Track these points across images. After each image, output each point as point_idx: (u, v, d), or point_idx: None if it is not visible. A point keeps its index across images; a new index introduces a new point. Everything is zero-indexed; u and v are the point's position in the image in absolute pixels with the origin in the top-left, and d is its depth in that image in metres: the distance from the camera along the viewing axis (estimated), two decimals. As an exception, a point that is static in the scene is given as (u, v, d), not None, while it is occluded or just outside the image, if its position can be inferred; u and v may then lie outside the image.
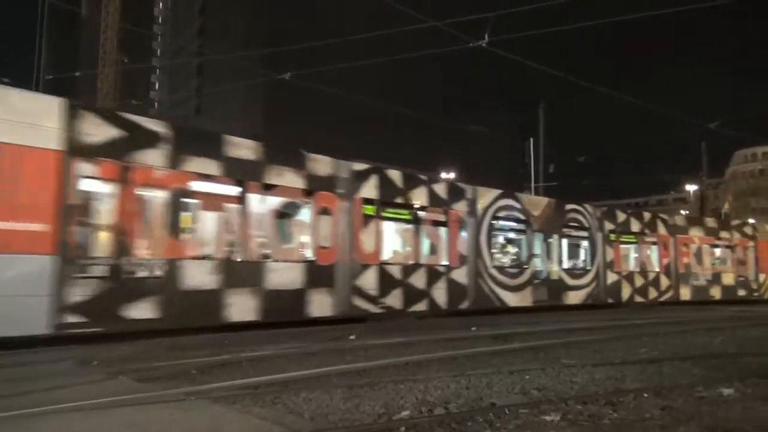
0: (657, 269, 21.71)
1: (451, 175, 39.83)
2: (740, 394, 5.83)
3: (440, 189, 15.62)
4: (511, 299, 16.85)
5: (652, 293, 21.22)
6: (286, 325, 11.24)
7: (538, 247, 18.13)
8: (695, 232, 23.37)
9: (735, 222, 25.76)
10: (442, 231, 15.41)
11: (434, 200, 15.21)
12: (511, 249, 17.82)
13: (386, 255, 14.14)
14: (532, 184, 32.11)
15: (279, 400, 5.30)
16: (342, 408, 5.07)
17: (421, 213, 14.81)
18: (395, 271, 13.95)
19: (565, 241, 19.31)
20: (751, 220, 32.12)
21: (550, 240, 18.56)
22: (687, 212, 58.66)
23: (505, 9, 13.95)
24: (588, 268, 19.71)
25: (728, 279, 24.06)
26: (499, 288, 16.56)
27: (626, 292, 20.49)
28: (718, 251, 24.22)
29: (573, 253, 20.06)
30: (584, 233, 19.90)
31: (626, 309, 19.56)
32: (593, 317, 15.14)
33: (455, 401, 5.37)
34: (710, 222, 25.28)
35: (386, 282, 13.64)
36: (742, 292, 24.29)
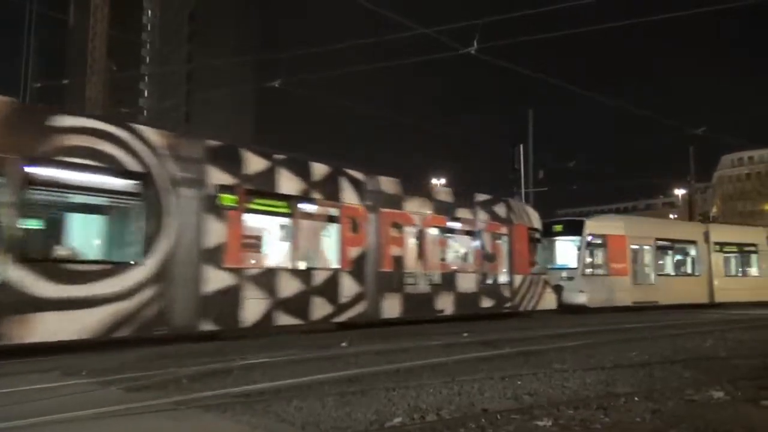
0: (336, 264, 13.27)
1: (442, 181, 39.89)
2: (730, 397, 5.87)
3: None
4: None
5: (321, 308, 12.68)
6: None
7: None
8: (415, 206, 15.38)
9: (482, 197, 17.89)
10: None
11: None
12: None
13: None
14: (522, 190, 32.18)
15: (270, 408, 5.26)
16: (333, 416, 5.04)
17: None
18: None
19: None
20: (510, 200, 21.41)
21: None
22: (675, 216, 59.14)
23: (494, 16, 14.02)
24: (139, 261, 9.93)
25: (467, 282, 16.50)
26: None
27: (254, 309, 11.44)
28: (453, 239, 16.70)
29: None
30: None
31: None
32: (586, 321, 15.20)
33: (447, 407, 5.36)
34: (441, 193, 17.18)
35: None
36: (487, 303, 16.99)
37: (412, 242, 15.23)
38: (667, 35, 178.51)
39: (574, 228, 22.14)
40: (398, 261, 14.64)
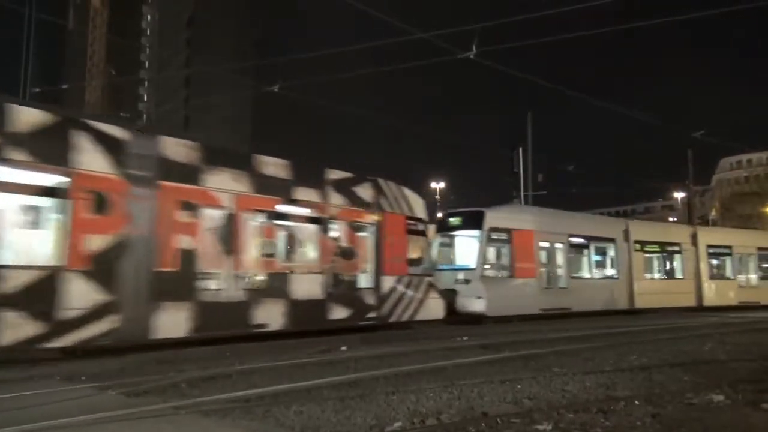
0: (55, 260, 9.22)
1: (441, 185, 39.92)
2: (730, 401, 5.87)
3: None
4: None
5: (14, 330, 8.56)
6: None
7: None
8: (223, 181, 11.51)
9: (337, 174, 13.77)
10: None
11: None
12: None
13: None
14: (521, 193, 32.20)
15: (270, 413, 5.26)
16: (333, 420, 5.04)
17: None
18: None
19: None
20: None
21: None
22: (675, 219, 59.19)
23: (492, 20, 14.06)
24: None
25: (307, 286, 12.52)
26: None
27: None
28: (288, 228, 12.89)
29: None
30: None
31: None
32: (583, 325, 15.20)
33: (447, 412, 5.36)
34: (270, 165, 12.46)
35: None
36: (340, 313, 13.04)
37: (216, 231, 11.26)
38: (667, 39, 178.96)
39: (473, 221, 18.25)
40: (189, 257, 10.66)
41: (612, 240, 22.20)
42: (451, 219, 19.20)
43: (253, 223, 11.88)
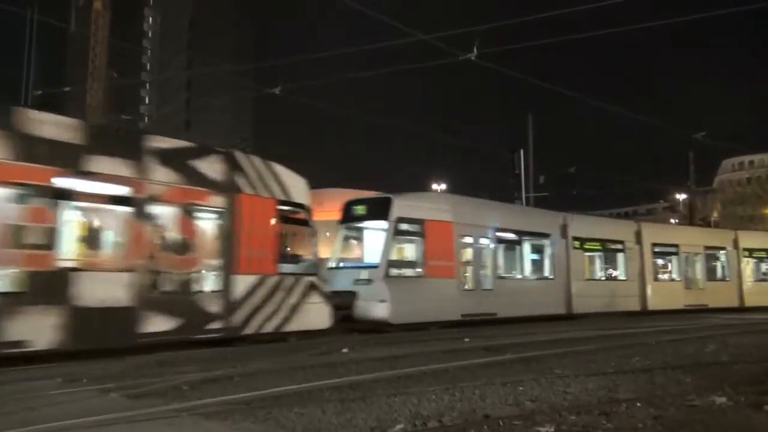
0: None
1: (443, 187, 39.91)
2: (732, 402, 5.85)
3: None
4: None
5: None
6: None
7: None
8: None
9: (165, 142, 10.89)
10: None
11: None
12: None
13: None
14: (523, 195, 32.20)
15: (271, 415, 5.26)
16: (334, 422, 5.03)
17: None
18: None
19: None
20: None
21: None
22: (677, 221, 59.15)
23: (493, 22, 14.10)
24: None
25: (105, 289, 9.51)
26: None
27: None
28: (70, 209, 9.59)
29: None
30: None
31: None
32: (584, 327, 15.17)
33: (449, 414, 5.35)
34: (43, 124, 9.18)
35: None
36: (162, 324, 10.00)
37: None
38: (668, 40, 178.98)
39: (378, 209, 15.29)
40: None
41: (547, 236, 19.61)
42: (353, 207, 15.83)
43: (11, 203, 8.76)
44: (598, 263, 22.08)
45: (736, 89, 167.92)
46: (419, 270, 15.30)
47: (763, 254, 27.05)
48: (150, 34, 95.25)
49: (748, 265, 26.20)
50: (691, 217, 41.57)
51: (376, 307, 14.01)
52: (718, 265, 25.68)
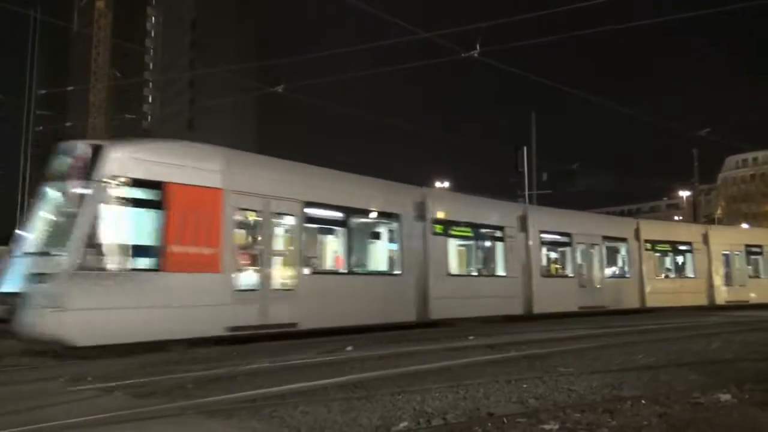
0: None
1: (446, 185, 39.91)
2: (737, 400, 5.83)
3: None
4: None
5: None
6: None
7: None
8: None
9: None
10: None
11: None
12: None
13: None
14: (526, 192, 32.18)
15: (276, 413, 5.26)
16: (339, 421, 5.04)
17: None
18: None
19: None
20: None
21: None
22: (680, 218, 59.03)
23: (496, 20, 14.07)
24: None
25: None
26: None
27: None
28: None
29: None
30: None
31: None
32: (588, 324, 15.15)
33: (453, 412, 5.35)
34: None
35: None
36: None
37: None
38: (671, 37, 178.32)
39: (81, 163, 9.82)
40: None
41: (393, 216, 14.76)
42: (57, 160, 10.36)
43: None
44: (469, 255, 17.13)
45: (740, 86, 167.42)
46: (150, 261, 10.08)
47: (666, 247, 23.28)
48: (153, 34, 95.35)
49: (650, 260, 22.48)
50: (695, 215, 41.50)
51: (47, 319, 8.82)
52: (618, 259, 22.00)
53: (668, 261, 23.67)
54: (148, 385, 6.50)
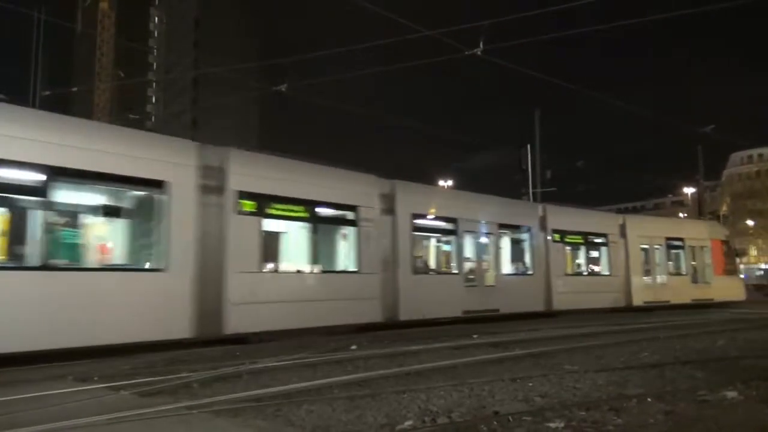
0: None
1: (450, 183, 39.87)
2: (743, 397, 5.82)
3: None
4: None
5: None
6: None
7: None
8: None
9: None
10: None
11: None
12: None
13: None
14: (530, 190, 32.12)
15: (281, 412, 5.28)
16: (344, 419, 5.05)
17: None
18: None
19: None
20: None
21: None
22: (685, 215, 58.81)
23: (499, 17, 14.05)
24: None
25: None
26: None
27: None
28: None
29: None
30: None
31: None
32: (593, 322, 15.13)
33: (458, 410, 5.35)
34: None
35: None
36: None
37: None
38: (676, 33, 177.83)
39: None
40: None
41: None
42: None
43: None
44: (297, 245, 12.53)
45: (744, 82, 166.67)
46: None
47: (578, 239, 19.73)
48: (156, 34, 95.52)
49: (559, 254, 18.82)
50: (700, 211, 41.31)
51: None
52: (520, 252, 18.16)
53: (581, 255, 20.18)
54: (154, 385, 6.51)
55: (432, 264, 16.27)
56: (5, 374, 7.55)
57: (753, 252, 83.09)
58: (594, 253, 20.58)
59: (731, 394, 5.92)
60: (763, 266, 78.08)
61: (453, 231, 15.82)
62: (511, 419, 4.95)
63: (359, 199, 13.46)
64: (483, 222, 16.56)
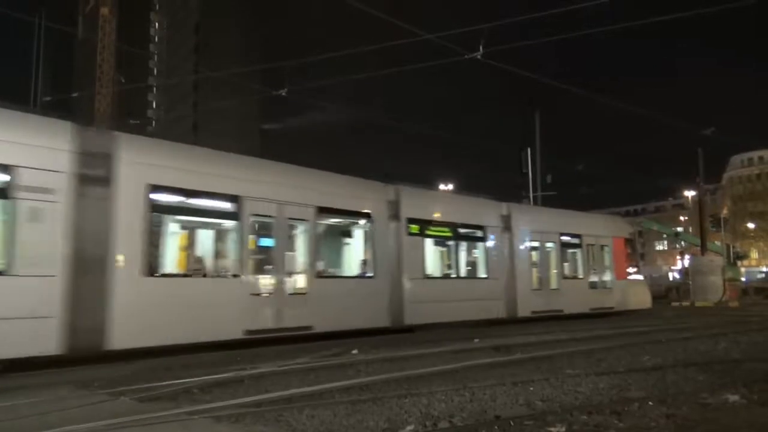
0: None
1: (450, 187, 39.89)
2: (746, 401, 5.80)
3: None
4: None
5: None
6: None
7: None
8: None
9: None
10: None
11: None
12: None
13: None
14: (531, 194, 32.12)
15: (282, 417, 5.26)
16: (345, 424, 5.03)
17: None
18: None
19: None
20: None
21: None
22: (686, 218, 58.77)
23: (499, 21, 14.08)
24: None
25: None
26: None
27: None
28: None
29: None
30: None
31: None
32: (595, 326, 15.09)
33: (459, 414, 5.33)
34: None
35: None
36: None
37: None
38: (675, 36, 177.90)
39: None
40: None
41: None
42: None
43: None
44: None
45: (745, 84, 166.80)
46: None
47: (446, 231, 15.85)
48: (156, 39, 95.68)
49: (416, 251, 14.71)
50: (701, 214, 41.24)
51: None
52: (356, 249, 14.29)
53: (448, 253, 16.43)
54: (154, 390, 6.50)
55: (187, 264, 11.45)
56: (5, 380, 7.54)
57: (754, 255, 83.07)
58: (467, 251, 16.93)
59: (733, 397, 5.89)
60: (764, 269, 77.95)
61: (234, 215, 11.18)
62: (512, 423, 4.93)
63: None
64: (290, 204, 12.10)
